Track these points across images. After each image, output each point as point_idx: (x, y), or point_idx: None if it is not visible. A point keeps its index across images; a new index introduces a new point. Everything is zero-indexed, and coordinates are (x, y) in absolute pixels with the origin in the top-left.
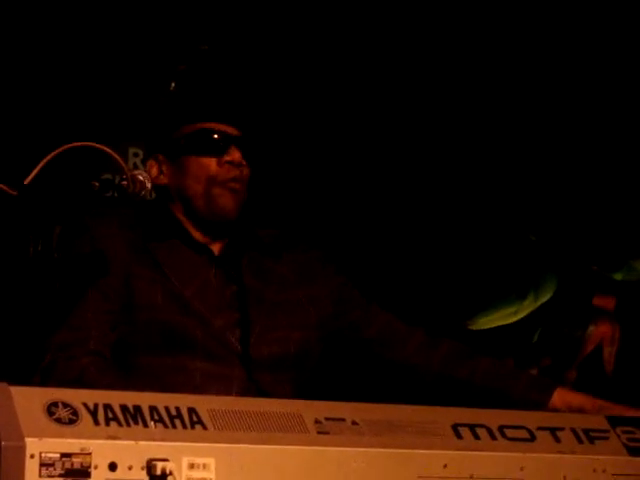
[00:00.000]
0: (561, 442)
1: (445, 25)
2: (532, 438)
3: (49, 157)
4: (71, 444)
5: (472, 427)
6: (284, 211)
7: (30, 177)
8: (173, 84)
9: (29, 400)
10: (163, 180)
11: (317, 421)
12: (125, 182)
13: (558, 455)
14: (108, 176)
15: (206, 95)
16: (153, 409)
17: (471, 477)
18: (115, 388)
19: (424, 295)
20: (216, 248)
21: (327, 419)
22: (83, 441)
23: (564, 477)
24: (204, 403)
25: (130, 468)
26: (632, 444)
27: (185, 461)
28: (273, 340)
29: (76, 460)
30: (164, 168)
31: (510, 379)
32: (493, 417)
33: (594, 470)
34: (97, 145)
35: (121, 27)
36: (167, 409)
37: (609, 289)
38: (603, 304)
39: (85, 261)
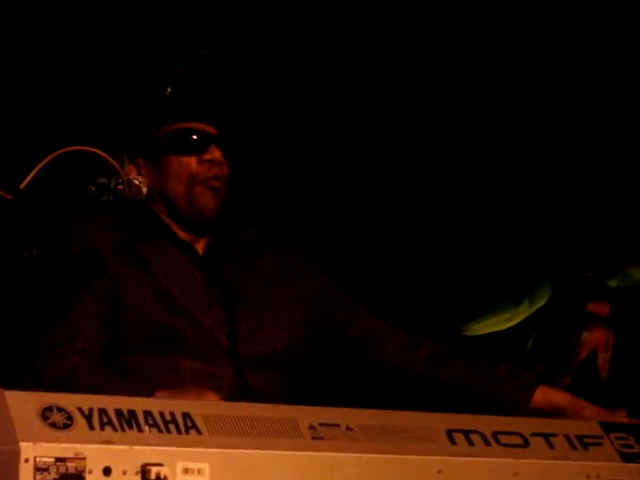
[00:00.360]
0: (555, 448)
1: (445, 25)
2: (526, 444)
3: (45, 161)
4: (66, 449)
5: (466, 433)
6: (269, 212)
7: (26, 181)
8: (169, 89)
9: (24, 404)
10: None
11: (311, 426)
12: (121, 186)
13: (552, 461)
14: (104, 180)
15: (184, 95)
16: (148, 414)
17: None
18: (106, 386)
19: (420, 301)
20: (200, 247)
21: (321, 424)
22: (78, 446)
23: None
24: (198, 408)
25: (124, 473)
26: (625, 450)
27: (179, 466)
28: (260, 339)
29: (70, 465)
30: (144, 171)
31: (491, 379)
32: (487, 423)
33: (587, 476)
34: (93, 149)
35: (118, 34)
36: (161, 414)
37: (603, 295)
38: (597, 310)
39: (81, 262)
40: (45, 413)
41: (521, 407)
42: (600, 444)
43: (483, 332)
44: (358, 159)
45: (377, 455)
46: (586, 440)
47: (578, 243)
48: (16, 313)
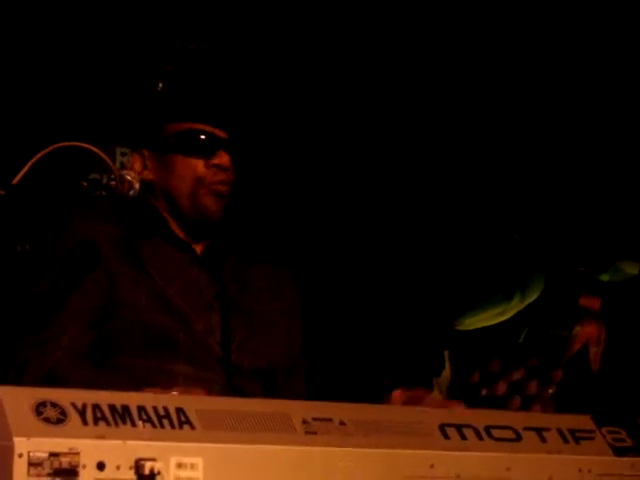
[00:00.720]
0: (547, 442)
1: (442, 25)
2: (518, 438)
3: (37, 157)
4: (59, 443)
5: (459, 427)
6: (267, 216)
7: (18, 177)
8: (161, 84)
9: (17, 400)
10: (148, 176)
11: (305, 421)
12: (113, 182)
13: (544, 455)
14: (95, 176)
15: (197, 95)
16: (141, 409)
17: (457, 477)
18: (91, 381)
19: (411, 296)
20: (198, 248)
21: (315, 419)
22: (71, 440)
23: (550, 477)
24: (192, 403)
25: (118, 468)
26: (617, 444)
27: (173, 461)
28: (251, 351)
29: (64, 460)
30: (149, 164)
31: None
32: (480, 417)
33: (580, 470)
34: (85, 145)
35: (110, 29)
36: (155, 409)
37: (595, 290)
38: (589, 305)
39: (75, 256)
40: (39, 408)
41: None
42: (592, 438)
43: (475, 327)
44: (349, 153)
45: (370, 449)
46: (578, 434)
47: (570, 237)
48: (7, 308)
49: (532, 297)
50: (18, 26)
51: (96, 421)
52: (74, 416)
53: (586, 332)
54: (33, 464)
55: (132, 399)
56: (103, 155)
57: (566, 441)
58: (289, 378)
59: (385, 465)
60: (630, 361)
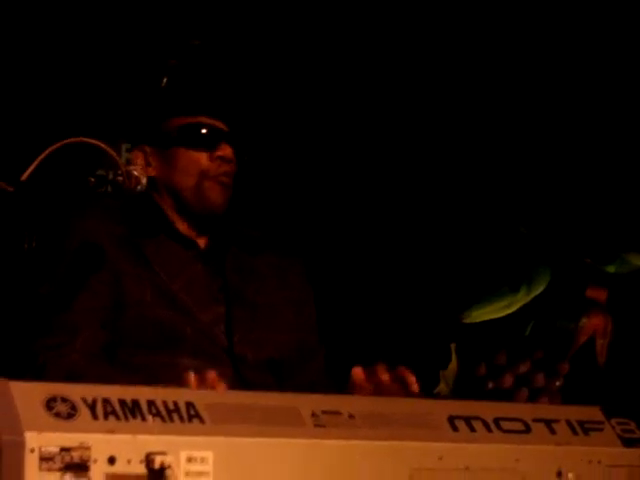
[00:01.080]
0: (556, 434)
1: (443, 24)
2: (527, 430)
3: (46, 153)
4: (70, 438)
5: (467, 419)
6: (273, 207)
7: (27, 173)
8: (165, 79)
9: (28, 395)
10: (151, 172)
11: (314, 414)
12: (120, 177)
13: (553, 447)
14: (102, 172)
15: (198, 89)
16: (151, 403)
17: (467, 469)
18: (107, 380)
19: (417, 289)
20: (201, 243)
21: (324, 412)
22: (82, 435)
23: (559, 468)
24: (201, 397)
25: (129, 462)
26: (627, 435)
27: (183, 455)
28: (255, 342)
29: (75, 454)
30: (151, 160)
31: None
32: (488, 409)
33: (589, 461)
34: (93, 141)
35: (115, 26)
36: (165, 403)
37: (601, 281)
38: (595, 296)
39: (80, 256)
40: (49, 403)
41: None
42: (601, 429)
43: (481, 319)
44: (355, 144)
45: (379, 442)
46: (587, 425)
47: (576, 229)
48: (16, 306)
49: (538, 289)
50: (23, 24)
51: (106, 416)
52: (84, 411)
53: (592, 324)
54: (44, 459)
55: (142, 393)
56: (111, 151)
57: (575, 432)
58: (304, 366)
59: (393, 457)
60: (637, 353)
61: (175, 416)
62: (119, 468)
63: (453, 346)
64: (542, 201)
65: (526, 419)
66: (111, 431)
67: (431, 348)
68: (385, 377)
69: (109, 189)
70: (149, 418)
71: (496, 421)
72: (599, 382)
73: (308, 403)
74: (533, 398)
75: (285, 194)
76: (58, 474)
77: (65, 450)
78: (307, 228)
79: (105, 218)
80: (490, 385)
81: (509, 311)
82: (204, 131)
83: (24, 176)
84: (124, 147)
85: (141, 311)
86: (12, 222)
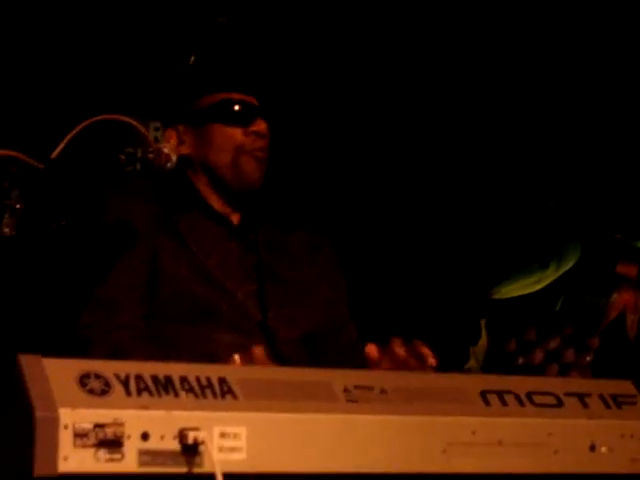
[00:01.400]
0: (589, 408)
1: (445, 22)
2: (560, 404)
3: (76, 130)
4: (104, 414)
5: (500, 394)
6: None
7: (57, 151)
8: (193, 57)
9: (62, 371)
10: (184, 150)
11: (346, 389)
12: (151, 155)
13: (586, 421)
14: (130, 150)
15: (230, 66)
16: (184, 379)
17: (499, 443)
18: (152, 357)
19: (447, 266)
20: (235, 219)
21: (356, 387)
22: (116, 411)
23: (592, 442)
24: (234, 373)
25: (162, 437)
26: None
27: (216, 430)
28: (287, 318)
29: (109, 430)
30: (185, 138)
31: None
32: (521, 384)
33: (622, 435)
34: (124, 118)
35: (145, 3)
36: (198, 379)
37: (632, 257)
38: (626, 272)
39: (113, 233)
40: (83, 380)
41: None
42: (634, 403)
43: (511, 295)
44: (384, 123)
45: (411, 417)
46: (620, 399)
47: (606, 204)
48: (48, 284)
49: (568, 265)
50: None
51: (139, 392)
52: (118, 387)
53: (623, 299)
54: (78, 435)
55: (174, 369)
56: (142, 128)
57: (608, 406)
58: (336, 340)
59: (426, 432)
60: None
61: (208, 392)
62: (152, 444)
63: (483, 322)
64: (571, 176)
65: (558, 393)
66: (144, 407)
67: (461, 324)
68: (401, 351)
69: (138, 167)
70: (182, 394)
71: (528, 395)
72: (630, 357)
73: (340, 378)
74: (563, 373)
75: (314, 173)
76: (92, 450)
77: (99, 426)
78: (337, 206)
79: (138, 196)
80: (520, 361)
81: (539, 287)
82: (237, 107)
83: (54, 154)
84: (152, 125)
85: (177, 286)
86: (41, 200)
